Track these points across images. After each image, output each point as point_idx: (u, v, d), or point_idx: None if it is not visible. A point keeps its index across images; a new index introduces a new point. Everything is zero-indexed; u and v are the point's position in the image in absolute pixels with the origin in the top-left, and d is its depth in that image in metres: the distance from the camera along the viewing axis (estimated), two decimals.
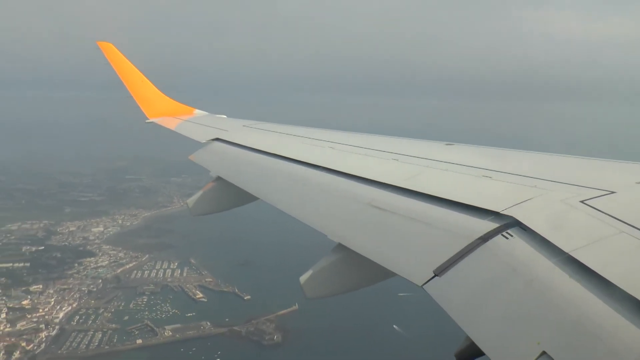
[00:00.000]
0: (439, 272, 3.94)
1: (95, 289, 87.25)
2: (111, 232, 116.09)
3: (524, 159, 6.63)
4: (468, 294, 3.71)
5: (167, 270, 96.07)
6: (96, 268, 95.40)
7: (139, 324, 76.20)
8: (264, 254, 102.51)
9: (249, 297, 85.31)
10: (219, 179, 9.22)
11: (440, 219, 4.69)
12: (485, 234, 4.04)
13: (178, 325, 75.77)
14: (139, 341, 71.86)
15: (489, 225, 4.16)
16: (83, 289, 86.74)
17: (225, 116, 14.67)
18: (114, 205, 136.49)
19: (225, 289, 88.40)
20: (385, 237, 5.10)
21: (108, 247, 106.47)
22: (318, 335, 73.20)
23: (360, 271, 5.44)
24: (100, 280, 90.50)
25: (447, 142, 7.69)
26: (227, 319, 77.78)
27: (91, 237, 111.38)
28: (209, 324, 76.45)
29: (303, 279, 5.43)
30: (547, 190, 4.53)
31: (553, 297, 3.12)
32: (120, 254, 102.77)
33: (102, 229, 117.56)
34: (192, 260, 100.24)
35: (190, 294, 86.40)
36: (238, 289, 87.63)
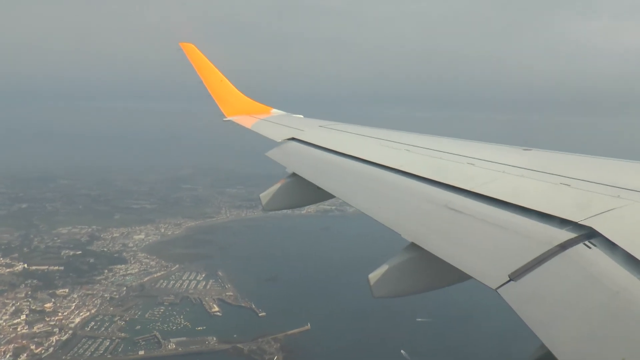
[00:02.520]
0: (515, 276, 3.85)
1: (117, 296, 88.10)
2: (151, 240, 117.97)
3: (606, 166, 6.15)
4: (546, 301, 3.59)
5: (192, 282, 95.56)
6: (124, 275, 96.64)
7: (148, 335, 75.61)
8: (294, 270, 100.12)
9: (263, 314, 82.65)
10: (293, 175, 9.19)
11: (515, 224, 4.59)
12: (564, 242, 3.94)
13: (184, 339, 74.43)
14: (142, 352, 71.17)
15: (566, 234, 4.03)
16: (106, 295, 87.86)
17: (302, 116, 14.61)
18: (162, 213, 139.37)
19: (243, 304, 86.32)
20: (460, 239, 5.04)
21: (143, 255, 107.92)
22: (322, 358, 69.03)
23: (432, 272, 5.33)
24: (125, 288, 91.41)
25: (525, 147, 7.41)
26: (235, 335, 75.46)
27: (130, 244, 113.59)
28: (215, 339, 74.57)
29: (372, 277, 5.29)
30: (633, 201, 4.36)
31: None
32: (152, 263, 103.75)
33: (143, 236, 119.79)
34: (220, 273, 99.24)
35: (207, 307, 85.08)
36: (255, 305, 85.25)
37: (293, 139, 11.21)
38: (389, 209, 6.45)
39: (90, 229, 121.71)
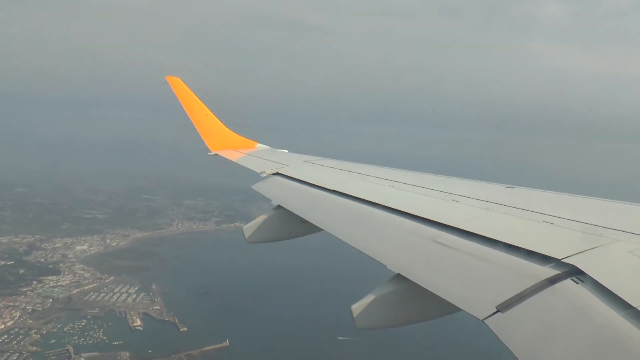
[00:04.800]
0: (502, 308, 3.93)
1: (40, 309, 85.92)
2: (93, 252, 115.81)
3: (589, 205, 6.27)
4: (534, 333, 3.64)
5: (123, 295, 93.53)
6: (54, 287, 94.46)
7: (60, 349, 73.53)
8: (231, 285, 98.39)
9: (185, 329, 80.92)
10: (278, 208, 9.19)
11: (502, 258, 4.69)
12: (552, 277, 4.05)
13: (95, 354, 72.50)
14: None
15: (551, 271, 4.14)
16: (28, 307, 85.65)
17: (286, 151, 14.80)
18: (113, 224, 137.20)
19: (167, 319, 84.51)
20: (447, 271, 5.08)
21: (80, 266, 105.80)
22: None
23: (418, 304, 5.37)
24: (51, 300, 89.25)
25: (508, 185, 7.51)
26: (150, 351, 73.61)
27: (70, 255, 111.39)
28: (128, 354, 72.61)
29: (356, 307, 5.27)
30: (614, 240, 4.48)
31: (629, 343, 3.07)
32: (87, 274, 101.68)
33: (85, 247, 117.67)
34: (154, 286, 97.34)
35: (130, 321, 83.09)
36: (179, 320, 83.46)
37: (278, 173, 11.28)
38: (375, 241, 6.49)
39: (33, 239, 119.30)
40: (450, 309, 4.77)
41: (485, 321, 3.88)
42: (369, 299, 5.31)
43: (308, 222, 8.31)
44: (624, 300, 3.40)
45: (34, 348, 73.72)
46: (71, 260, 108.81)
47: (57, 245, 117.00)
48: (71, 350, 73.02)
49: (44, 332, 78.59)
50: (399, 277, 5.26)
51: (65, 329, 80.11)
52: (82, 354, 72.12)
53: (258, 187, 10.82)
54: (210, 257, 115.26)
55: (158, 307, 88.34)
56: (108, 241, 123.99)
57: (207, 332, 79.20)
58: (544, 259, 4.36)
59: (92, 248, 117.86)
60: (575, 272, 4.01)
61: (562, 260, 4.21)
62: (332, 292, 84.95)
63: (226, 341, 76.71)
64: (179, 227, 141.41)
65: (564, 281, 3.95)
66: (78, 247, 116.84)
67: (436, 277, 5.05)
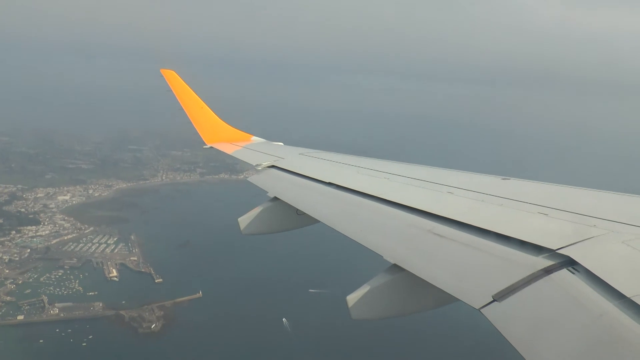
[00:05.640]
0: (499, 297, 3.98)
1: (18, 259, 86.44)
2: (74, 202, 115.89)
3: (583, 196, 6.30)
4: (530, 322, 3.70)
5: (102, 245, 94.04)
6: (33, 237, 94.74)
7: (35, 299, 74.26)
8: (210, 237, 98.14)
9: (160, 280, 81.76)
10: (274, 200, 9.12)
11: (498, 249, 4.75)
12: (548, 267, 4.11)
13: (69, 304, 73.31)
14: (20, 317, 69.90)
15: (545, 262, 4.20)
16: (5, 257, 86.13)
17: (282, 143, 14.90)
18: (97, 174, 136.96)
19: (143, 270, 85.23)
20: (443, 262, 5.09)
21: (61, 216, 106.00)
22: (201, 327, 68.27)
23: (414, 294, 5.39)
24: (29, 250, 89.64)
25: (503, 177, 7.50)
26: (123, 302, 74.42)
27: (51, 205, 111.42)
28: (101, 305, 73.46)
29: (351, 298, 5.22)
30: (608, 231, 4.55)
31: (624, 333, 3.16)
32: (67, 225, 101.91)
33: (68, 197, 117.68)
34: (133, 237, 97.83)
35: (106, 272, 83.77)
36: (155, 271, 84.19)
37: (273, 166, 11.28)
38: (371, 233, 6.48)
39: (14, 188, 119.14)
40: (446, 299, 4.79)
41: (481, 310, 3.92)
42: (364, 289, 5.29)
43: (304, 214, 8.34)
44: (617, 291, 3.49)
45: (8, 298, 74.44)
46: (52, 210, 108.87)
47: (39, 195, 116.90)
48: (45, 301, 73.78)
49: (20, 282, 79.24)
50: (395, 268, 5.29)
51: (42, 279, 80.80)
52: (56, 304, 72.90)
53: (254, 179, 10.77)
54: (192, 208, 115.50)
55: (135, 258, 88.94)
56: (91, 191, 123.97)
57: (182, 284, 80.00)
58: (539, 249, 4.42)
59: (74, 198, 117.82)
60: (569, 263, 4.07)
61: (557, 251, 4.28)
62: (310, 249, 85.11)
63: (199, 292, 77.57)
64: (163, 178, 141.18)
65: (560, 271, 4.01)
66: (60, 197, 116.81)
67: (432, 268, 5.06)
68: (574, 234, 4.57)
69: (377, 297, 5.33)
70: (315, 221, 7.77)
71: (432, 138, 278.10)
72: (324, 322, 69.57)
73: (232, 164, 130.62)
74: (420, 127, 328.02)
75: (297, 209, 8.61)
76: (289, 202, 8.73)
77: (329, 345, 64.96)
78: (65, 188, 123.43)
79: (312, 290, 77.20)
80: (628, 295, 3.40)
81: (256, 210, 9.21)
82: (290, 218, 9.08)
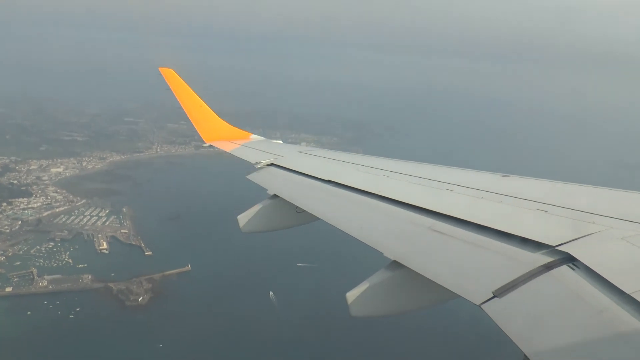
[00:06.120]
0: (499, 293, 4.01)
1: (8, 230, 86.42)
2: (68, 174, 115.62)
3: (582, 193, 6.37)
4: (531, 318, 3.74)
5: (93, 218, 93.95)
6: (24, 209, 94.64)
7: (24, 271, 74.37)
8: (202, 210, 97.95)
9: (150, 252, 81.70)
10: (274, 197, 9.16)
11: (497, 246, 4.79)
12: (548, 263, 4.15)
13: (58, 276, 73.43)
14: (9, 289, 70.02)
15: (545, 258, 4.23)
16: None
17: (280, 142, 14.95)
18: (91, 147, 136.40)
19: (133, 242, 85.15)
20: (443, 258, 5.15)
21: (53, 188, 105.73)
22: (188, 301, 68.51)
23: (414, 291, 5.37)
24: (20, 222, 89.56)
25: (502, 174, 7.52)
26: (112, 274, 74.46)
27: (44, 178, 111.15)
28: (90, 277, 73.52)
29: (351, 295, 5.23)
30: (607, 227, 4.57)
31: (623, 329, 3.21)
32: (59, 197, 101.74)
33: (61, 169, 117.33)
34: (125, 210, 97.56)
35: (97, 244, 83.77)
36: (145, 244, 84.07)
37: (272, 164, 11.34)
38: (371, 230, 6.52)
39: (8, 160, 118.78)
40: (446, 296, 4.84)
41: (481, 306, 3.93)
42: (364, 286, 5.27)
43: (303, 211, 8.33)
44: (617, 287, 3.52)
45: None
46: (45, 182, 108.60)
47: (32, 167, 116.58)
48: (35, 273, 73.84)
49: (10, 254, 79.30)
50: (395, 265, 5.28)
51: (32, 251, 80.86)
52: (45, 277, 72.98)
53: (253, 177, 10.82)
54: (185, 181, 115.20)
55: (126, 231, 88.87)
56: (84, 164, 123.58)
57: (171, 256, 79.92)
58: (539, 246, 4.45)
59: (67, 171, 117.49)
60: (569, 259, 4.10)
61: (556, 248, 4.31)
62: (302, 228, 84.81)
63: (188, 266, 77.57)
64: (158, 150, 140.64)
65: (560, 267, 4.04)
66: (53, 170, 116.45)
67: (433, 264, 5.11)
68: (573, 231, 4.60)
69: (377, 293, 5.32)
70: (315, 219, 7.80)
71: (435, 111, 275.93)
72: (311, 296, 70.00)
73: None
74: (426, 101, 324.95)
75: (297, 207, 8.60)
76: (288, 200, 8.76)
77: (314, 317, 65.00)
78: (59, 160, 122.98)
79: (301, 264, 77.14)
80: (628, 292, 3.43)
81: (256, 208, 9.23)
82: (290, 216, 9.09)
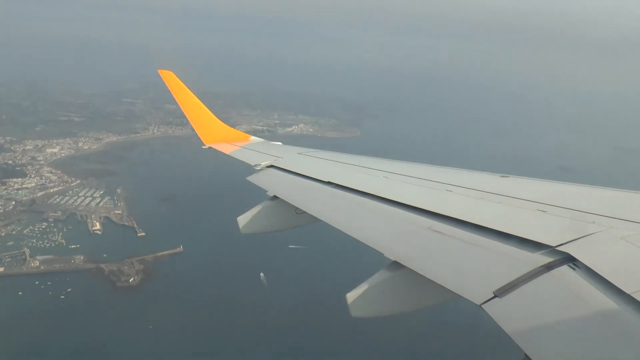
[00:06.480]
0: (499, 293, 4.04)
1: (2, 210, 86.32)
2: (63, 155, 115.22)
3: (581, 193, 6.43)
4: (531, 317, 3.77)
5: (87, 199, 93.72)
6: (18, 189, 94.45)
7: (16, 252, 74.35)
8: (197, 192, 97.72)
9: (143, 233, 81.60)
10: (274, 198, 9.07)
11: (497, 246, 4.81)
12: (549, 263, 4.18)
13: (50, 257, 73.41)
14: (0, 269, 70.07)
15: (545, 258, 4.26)
16: None
17: (280, 143, 14.87)
18: (88, 127, 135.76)
19: (126, 223, 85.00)
20: (444, 259, 5.18)
21: (48, 169, 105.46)
22: (179, 282, 68.55)
23: (414, 291, 5.41)
24: (14, 202, 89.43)
25: (502, 175, 7.55)
26: (105, 255, 74.43)
27: (40, 158, 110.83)
28: (82, 258, 73.51)
29: (351, 296, 5.24)
30: (607, 228, 4.60)
31: (624, 329, 3.25)
32: (54, 177, 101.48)
33: (56, 150, 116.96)
34: (119, 191, 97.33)
35: (90, 225, 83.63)
36: (138, 225, 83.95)
37: (272, 166, 11.29)
38: (372, 231, 6.53)
39: (3, 140, 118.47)
40: (447, 296, 4.88)
41: (482, 306, 3.95)
42: (364, 287, 5.28)
43: (303, 213, 8.32)
44: (617, 287, 3.54)
45: None
46: (40, 162, 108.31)
47: (27, 147, 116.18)
48: (27, 253, 73.84)
49: (3, 234, 79.31)
50: (395, 265, 5.29)
51: (25, 231, 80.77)
52: (37, 257, 73.00)
53: (253, 178, 10.79)
54: (180, 162, 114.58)
55: (120, 212, 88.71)
56: (80, 144, 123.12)
57: (164, 238, 79.80)
58: (539, 246, 4.47)
59: (63, 151, 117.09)
60: (569, 259, 4.13)
61: (556, 248, 4.34)
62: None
63: (180, 247, 77.50)
64: (155, 131, 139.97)
65: (560, 267, 4.07)
66: (49, 150, 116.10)
67: (433, 264, 5.12)
68: (573, 231, 4.62)
69: (377, 294, 5.32)
70: (315, 220, 7.79)
71: (434, 93, 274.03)
72: (300, 276, 70.20)
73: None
74: (426, 82, 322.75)
75: (297, 208, 8.60)
76: (288, 201, 8.73)
77: (303, 297, 65.04)
78: (55, 141, 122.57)
79: (292, 246, 77.04)
80: (627, 292, 3.46)
81: (255, 210, 9.22)
82: (290, 217, 9.08)
